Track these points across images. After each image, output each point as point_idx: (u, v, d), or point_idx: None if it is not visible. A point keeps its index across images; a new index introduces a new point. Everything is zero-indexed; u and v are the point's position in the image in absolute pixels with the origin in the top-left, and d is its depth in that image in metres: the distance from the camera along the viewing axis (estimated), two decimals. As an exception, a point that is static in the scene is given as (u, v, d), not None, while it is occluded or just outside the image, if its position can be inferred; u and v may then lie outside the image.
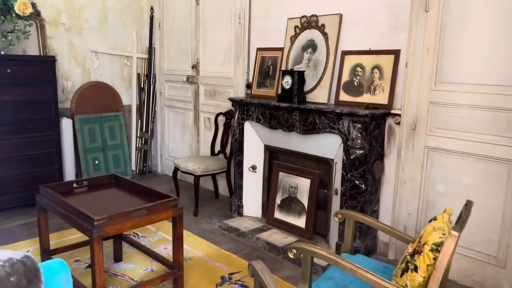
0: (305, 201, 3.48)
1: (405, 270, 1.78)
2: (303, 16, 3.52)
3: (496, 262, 2.58)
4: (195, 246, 3.25)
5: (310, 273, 1.86)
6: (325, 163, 3.33)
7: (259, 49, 3.96)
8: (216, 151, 4.40)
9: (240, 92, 4.14)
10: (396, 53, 2.97)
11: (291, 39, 3.64)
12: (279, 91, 3.59)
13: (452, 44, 2.67)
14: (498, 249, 2.57)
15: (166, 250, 3.18)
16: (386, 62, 3.02)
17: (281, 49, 3.74)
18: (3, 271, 1.07)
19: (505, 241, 2.54)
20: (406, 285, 1.72)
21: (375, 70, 3.08)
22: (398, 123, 2.98)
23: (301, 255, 1.86)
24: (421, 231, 1.90)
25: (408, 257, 1.83)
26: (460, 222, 1.65)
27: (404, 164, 2.97)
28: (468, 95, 2.63)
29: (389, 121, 3.04)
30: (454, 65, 2.67)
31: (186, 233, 3.37)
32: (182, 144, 5.10)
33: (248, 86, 4.04)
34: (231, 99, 3.88)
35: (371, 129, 2.94)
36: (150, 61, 5.26)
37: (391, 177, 3.08)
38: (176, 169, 4.19)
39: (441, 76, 2.74)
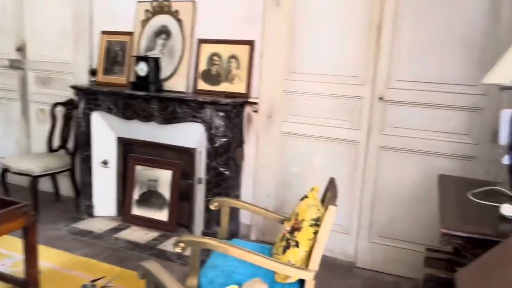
0: (166, 193, 3.37)
1: (286, 247, 1.90)
2: (154, 0, 3.35)
3: (343, 229, 2.98)
4: (43, 257, 2.77)
5: (198, 265, 1.81)
6: (187, 153, 3.28)
7: (104, 33, 3.61)
8: (55, 147, 3.86)
9: (82, 79, 3.71)
10: (251, 43, 3.10)
11: (142, 23, 3.43)
12: (132, 79, 3.36)
13: (302, 37, 2.93)
14: (343, 218, 2.97)
15: (4, 266, 2.66)
16: (242, 52, 3.13)
17: (131, 34, 3.49)
18: None
19: (349, 211, 2.95)
20: (289, 261, 1.84)
21: (232, 59, 3.16)
22: (256, 111, 3.13)
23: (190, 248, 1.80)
24: (294, 210, 2.04)
25: (288, 234, 1.96)
26: (333, 197, 1.84)
27: (262, 149, 3.15)
28: (316, 84, 2.93)
29: (248, 109, 3.17)
30: (304, 56, 2.95)
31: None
32: (5, 140, 4.30)
33: (93, 72, 3.66)
34: (74, 87, 3.45)
35: (232, 117, 3.01)
36: (-47, 40, 4.24)
37: (250, 162, 3.23)
38: (5, 171, 3.53)
39: (292, 66, 2.99)
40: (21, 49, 4.02)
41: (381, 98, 2.74)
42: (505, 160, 1.89)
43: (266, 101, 3.08)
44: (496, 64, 1.87)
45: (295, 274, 1.76)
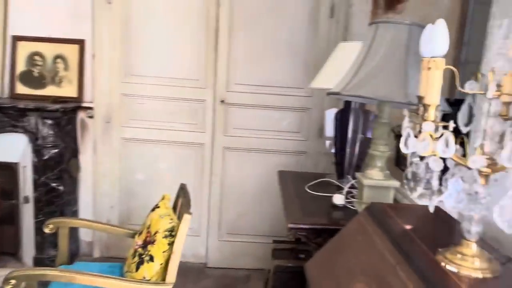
0: (-19, 219, 2.81)
1: (140, 263, 1.80)
2: (-51, -14, 2.74)
3: (192, 232, 2.98)
4: None
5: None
6: (7, 169, 2.78)
7: None
8: None
9: None
10: (80, 43, 2.82)
11: None
12: None
13: (139, 38, 2.80)
14: (193, 221, 2.96)
15: None
16: (71, 52, 2.82)
17: None
18: None
19: (198, 213, 2.96)
20: (144, 277, 1.75)
21: (58, 60, 2.82)
22: (92, 117, 2.87)
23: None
24: (145, 222, 1.95)
25: (140, 249, 1.85)
26: (186, 204, 1.81)
27: (101, 158, 2.91)
28: (157, 87, 2.84)
29: (81, 115, 2.88)
30: (143, 58, 2.82)
31: None
32: None
33: None
34: None
35: (63, 125, 2.70)
36: None
37: (88, 173, 2.95)
38: None
39: (131, 68, 2.83)
40: None
41: (222, 101, 2.82)
42: (331, 150, 2.18)
43: (103, 105, 2.85)
44: (320, 71, 2.11)
45: (152, 291, 1.68)
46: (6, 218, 2.84)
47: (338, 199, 1.79)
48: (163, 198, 2.02)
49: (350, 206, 1.76)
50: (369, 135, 2.08)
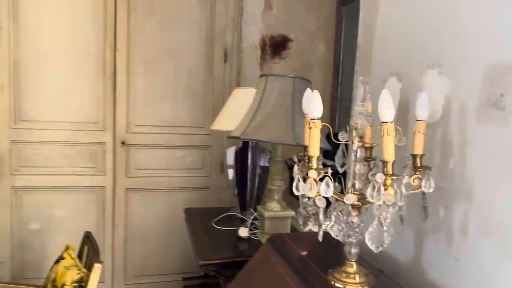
0: None
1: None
2: None
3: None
4: None
5: None
6: None
7: None
8: None
9: None
10: (-40, 87, 2.62)
11: None
12: None
13: (30, 82, 2.70)
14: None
15: None
16: (-52, 97, 2.59)
17: None
18: None
19: (101, 258, 2.87)
20: (52, 334, 1.68)
21: None
22: (-25, 167, 2.65)
23: None
24: (49, 275, 1.88)
25: (45, 305, 1.78)
26: (96, 253, 1.80)
27: (-12, 211, 2.68)
28: (51, 132, 2.75)
29: (-38, 165, 2.63)
30: (34, 103, 2.71)
31: None
32: None
33: None
34: None
35: None
36: None
37: (-28, 228, 2.68)
38: None
39: (21, 113, 2.70)
40: None
41: (123, 143, 2.83)
42: (230, 176, 2.36)
43: (-11, 153, 2.65)
44: (219, 114, 2.30)
45: None
46: None
47: (243, 231, 1.95)
48: (67, 249, 1.96)
49: (254, 237, 1.93)
50: (265, 164, 2.31)
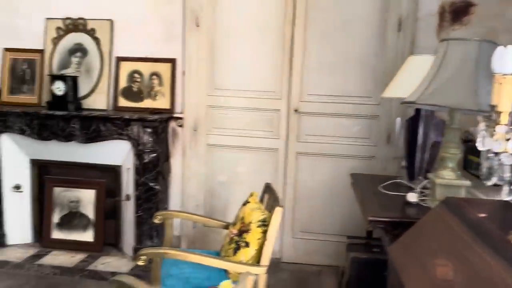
0: (90, 213, 3.29)
1: (237, 249, 2.11)
2: (67, 18, 3.28)
3: (268, 229, 3.28)
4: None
5: (159, 275, 1.92)
6: (112, 171, 3.26)
7: (7, 50, 3.39)
8: (-50, 175, 3.47)
9: (-19, 100, 3.42)
10: (172, 61, 3.24)
11: (53, 41, 3.31)
12: (47, 98, 3.22)
13: (222, 56, 3.17)
14: (269, 219, 3.26)
15: None
16: (164, 69, 3.25)
17: (40, 51, 3.35)
18: None
19: (273, 212, 3.25)
20: (241, 260, 2.05)
21: (154, 76, 3.25)
22: (181, 126, 3.27)
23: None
24: (238, 214, 2.26)
25: (236, 237, 2.17)
26: (276, 199, 2.10)
27: (189, 162, 3.30)
28: (237, 99, 3.19)
29: (172, 124, 3.29)
30: (225, 73, 3.19)
31: None
32: None
33: (-5, 92, 3.40)
34: (-23, 109, 3.18)
35: (159, 133, 3.11)
36: None
37: (177, 175, 3.34)
38: None
39: (215, 83, 3.21)
40: None
41: (296, 110, 3.11)
42: (403, 163, 2.38)
43: (191, 116, 3.24)
44: (391, 81, 2.34)
45: (248, 271, 1.98)
46: (110, 214, 3.31)
47: (412, 196, 2.00)
48: (251, 195, 2.32)
49: (423, 204, 1.96)
50: (438, 139, 2.27)
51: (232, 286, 1.88)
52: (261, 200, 2.35)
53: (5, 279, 2.83)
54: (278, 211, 1.96)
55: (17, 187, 3.29)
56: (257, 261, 2.03)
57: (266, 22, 3.09)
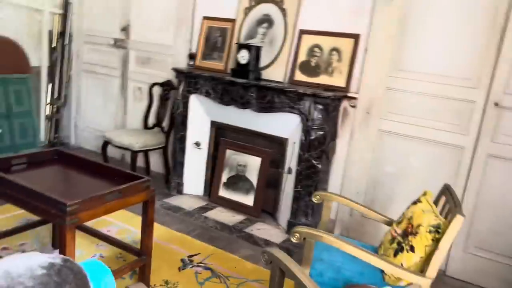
0: (254, 179, 3.45)
1: (399, 251, 1.88)
2: (260, -12, 3.39)
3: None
4: (142, 228, 3.00)
5: (312, 256, 1.85)
6: (278, 142, 3.32)
7: (206, 18, 3.72)
8: (149, 125, 4.08)
9: (181, 62, 3.86)
10: (356, 37, 3.05)
11: (244, 11, 3.48)
12: (232, 65, 3.43)
13: (413, 34, 2.83)
14: (437, 224, 2.86)
15: (109, 232, 2.88)
16: (345, 45, 3.09)
17: (232, 21, 3.57)
18: (51, 281, 0.82)
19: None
20: (402, 264, 1.82)
21: (334, 52, 3.13)
22: (354, 106, 3.09)
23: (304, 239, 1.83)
24: (406, 213, 2.01)
25: (399, 238, 1.93)
26: (458, 206, 1.78)
27: (356, 145, 3.11)
28: (421, 83, 2.83)
29: (345, 103, 3.13)
30: (413, 54, 2.85)
31: (129, 214, 3.09)
32: (103, 114, 4.61)
33: (191, 56, 3.79)
34: (176, 70, 3.60)
35: (330, 111, 3.00)
36: (65, 17, 4.58)
37: (341, 157, 3.20)
38: (106, 143, 3.79)
39: (399, 63, 2.90)
40: (125, 29, 4.25)
41: (496, 104, 2.59)
42: None
43: (366, 96, 3.02)
44: None
45: (410, 279, 1.74)
46: (271, 183, 3.41)
47: None
48: (424, 194, 2.03)
49: None
50: None
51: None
52: (435, 202, 2.04)
53: (177, 222, 3.21)
54: (458, 219, 1.65)
55: (197, 144, 3.66)
56: (420, 270, 1.77)
57: (475, -2, 2.61)
